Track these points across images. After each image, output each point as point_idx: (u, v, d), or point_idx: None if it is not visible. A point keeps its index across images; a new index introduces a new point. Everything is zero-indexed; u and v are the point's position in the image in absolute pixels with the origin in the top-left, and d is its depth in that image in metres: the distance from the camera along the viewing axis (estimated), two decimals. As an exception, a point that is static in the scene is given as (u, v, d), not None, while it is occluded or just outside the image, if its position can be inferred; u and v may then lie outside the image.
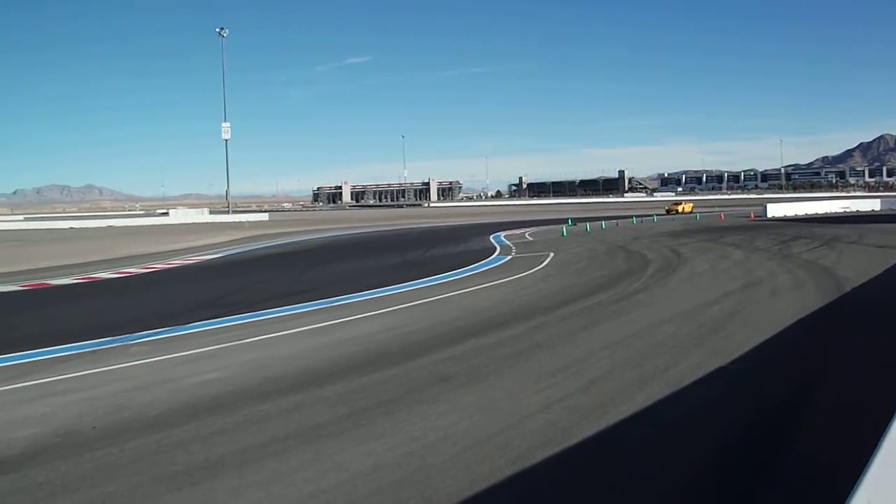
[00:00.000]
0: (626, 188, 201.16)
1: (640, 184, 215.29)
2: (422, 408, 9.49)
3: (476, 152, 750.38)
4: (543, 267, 27.03)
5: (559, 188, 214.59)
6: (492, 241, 42.70)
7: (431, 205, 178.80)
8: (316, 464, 7.56)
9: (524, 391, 10.14)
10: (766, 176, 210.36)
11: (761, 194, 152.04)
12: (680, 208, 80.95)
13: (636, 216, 68.93)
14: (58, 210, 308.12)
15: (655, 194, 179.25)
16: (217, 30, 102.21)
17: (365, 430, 8.63)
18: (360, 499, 6.68)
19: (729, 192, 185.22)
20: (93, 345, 14.38)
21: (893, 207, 68.71)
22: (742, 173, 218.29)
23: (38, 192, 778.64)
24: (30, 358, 13.39)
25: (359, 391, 10.42)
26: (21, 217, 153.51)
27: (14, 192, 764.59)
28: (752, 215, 61.80)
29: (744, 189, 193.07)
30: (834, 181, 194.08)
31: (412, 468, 7.35)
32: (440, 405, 9.59)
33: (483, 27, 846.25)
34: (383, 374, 11.35)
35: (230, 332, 15.56)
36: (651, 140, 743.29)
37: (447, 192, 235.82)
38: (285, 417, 9.26)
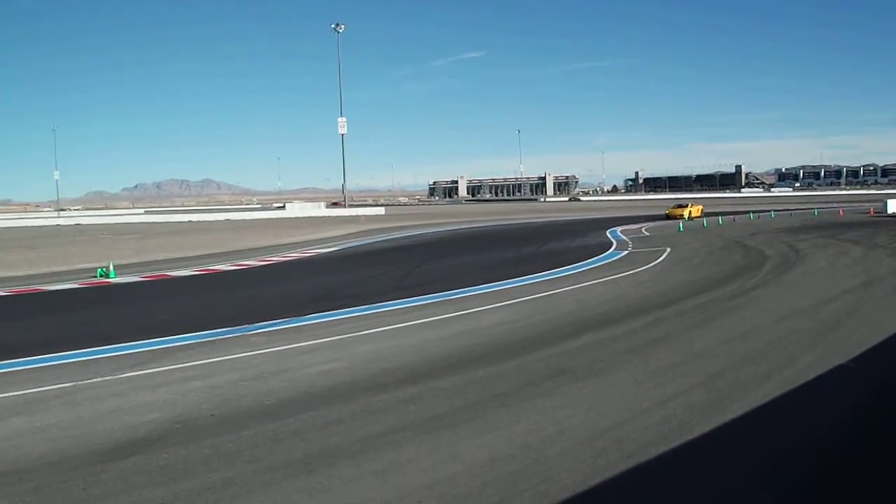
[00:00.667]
0: (743, 183, 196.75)
1: (757, 179, 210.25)
2: (537, 401, 9.60)
3: (592, 147, 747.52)
4: (660, 262, 26.99)
5: (675, 183, 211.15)
6: (608, 235, 42.57)
7: (547, 199, 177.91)
8: (432, 455, 7.72)
9: (640, 386, 10.21)
10: (886, 171, 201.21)
11: (881, 189, 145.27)
12: (685, 212, 63.57)
13: (753, 212, 67.35)
14: (177, 204, 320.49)
15: (773, 189, 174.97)
16: (332, 26, 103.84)
17: (481, 423, 8.77)
18: (475, 490, 6.79)
19: (847, 187, 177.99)
20: (213, 334, 14.96)
21: None
22: (861, 168, 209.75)
23: (158, 187, 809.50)
24: (152, 346, 14.01)
25: (475, 383, 10.59)
26: (141, 210, 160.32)
27: (135, 187, 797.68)
28: (872, 211, 59.64)
29: (863, 184, 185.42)
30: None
31: (528, 461, 7.44)
32: (556, 399, 9.70)
33: (597, 22, 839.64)
34: (499, 367, 11.52)
35: (347, 323, 15.95)
36: (768, 135, 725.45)
37: (563, 186, 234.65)
38: (402, 408, 9.47)
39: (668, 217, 62.59)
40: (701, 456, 7.66)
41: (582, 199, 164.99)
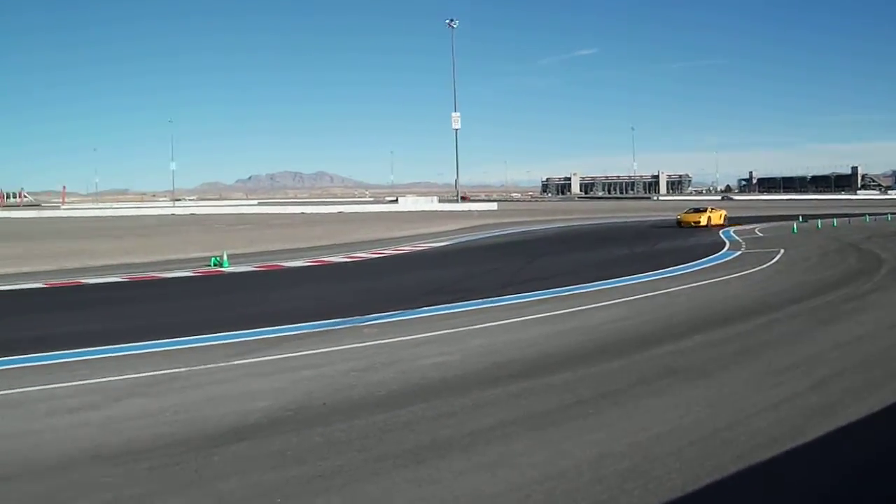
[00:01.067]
0: (859, 185, 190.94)
1: (874, 181, 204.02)
2: (648, 400, 9.62)
3: (705, 146, 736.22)
4: (773, 263, 26.57)
5: (789, 184, 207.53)
6: (721, 236, 41.94)
7: (660, 198, 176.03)
8: (541, 450, 7.76)
9: (751, 388, 10.14)
10: None
11: None
12: (702, 219, 52.54)
13: (869, 214, 65.03)
14: (290, 195, 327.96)
15: (890, 192, 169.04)
16: (447, 21, 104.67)
17: (591, 420, 8.80)
18: (584, 486, 6.81)
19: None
20: (325, 325, 15.31)
21: None
22: None
23: (271, 178, 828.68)
24: (265, 335, 14.41)
25: (586, 380, 10.66)
26: (255, 202, 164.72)
27: (249, 178, 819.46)
28: None
29: None
30: None
31: (637, 459, 7.43)
32: (666, 398, 9.69)
33: (712, 20, 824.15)
34: (610, 365, 11.59)
35: (459, 317, 16.15)
36: (885, 135, 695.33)
37: (676, 185, 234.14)
38: (512, 403, 9.54)
39: (679, 224, 52.83)
40: (812, 461, 7.55)
41: (735, 198, 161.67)
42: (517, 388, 10.20)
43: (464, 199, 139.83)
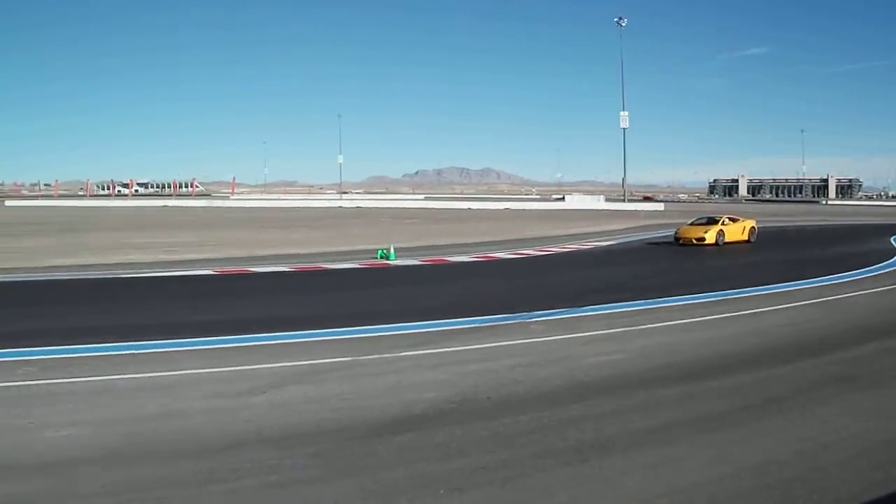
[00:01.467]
0: None
1: None
2: (815, 408, 9.41)
3: (877, 150, 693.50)
4: None
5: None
6: (892, 243, 39.57)
7: (829, 202, 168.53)
8: (704, 453, 7.74)
9: None
10: None
11: None
12: (709, 234, 36.10)
13: None
14: (456, 191, 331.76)
15: None
16: (615, 20, 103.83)
17: (756, 425, 8.70)
18: (746, 492, 6.77)
19: None
20: (491, 320, 15.54)
21: None
22: None
23: (438, 174, 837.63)
24: (431, 328, 14.77)
25: (751, 385, 10.53)
26: (421, 196, 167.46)
27: (416, 173, 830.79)
28: None
29: None
30: None
31: (802, 468, 7.31)
32: (834, 406, 9.48)
33: (884, 20, 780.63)
34: (778, 370, 11.40)
35: (624, 317, 16.08)
36: None
37: (846, 189, 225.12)
38: (676, 405, 9.52)
39: (677, 241, 36.84)
40: None
41: (821, 202, 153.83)
42: (682, 390, 10.19)
43: (647, 199, 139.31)
